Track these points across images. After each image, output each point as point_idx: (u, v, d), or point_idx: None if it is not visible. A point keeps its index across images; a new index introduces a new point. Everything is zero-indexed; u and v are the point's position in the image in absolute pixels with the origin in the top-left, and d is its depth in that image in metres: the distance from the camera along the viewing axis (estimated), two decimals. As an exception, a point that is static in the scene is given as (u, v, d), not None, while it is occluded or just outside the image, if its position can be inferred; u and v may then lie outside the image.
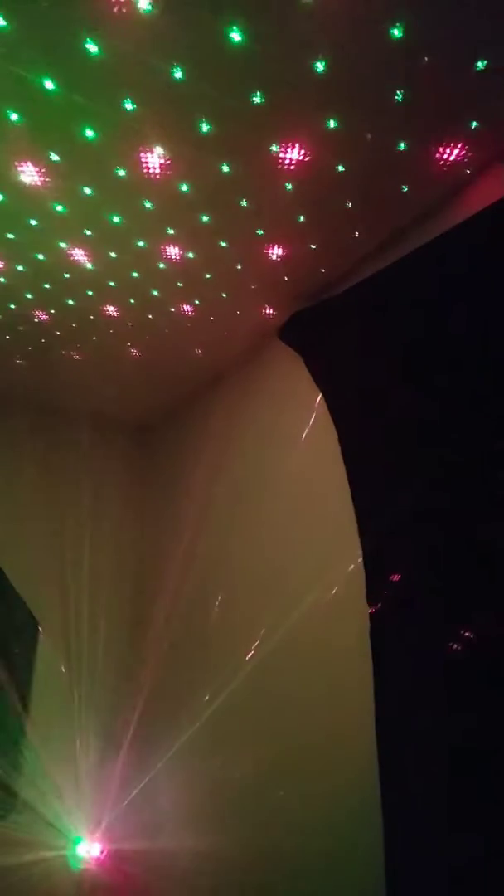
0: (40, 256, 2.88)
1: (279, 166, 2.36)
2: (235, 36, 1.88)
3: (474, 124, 2.18)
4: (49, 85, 2.04)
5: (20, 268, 2.96)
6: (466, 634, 2.10)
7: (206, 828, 3.31)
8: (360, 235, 2.76)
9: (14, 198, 2.53)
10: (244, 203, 2.56)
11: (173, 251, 2.85)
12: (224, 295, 3.19)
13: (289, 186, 2.46)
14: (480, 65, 1.94)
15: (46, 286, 3.09)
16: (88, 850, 3.53)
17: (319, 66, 1.98)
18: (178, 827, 3.48)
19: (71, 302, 3.23)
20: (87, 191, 2.50)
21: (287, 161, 2.34)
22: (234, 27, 1.87)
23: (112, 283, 3.09)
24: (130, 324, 3.41)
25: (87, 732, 3.80)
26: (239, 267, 2.96)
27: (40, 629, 4.03)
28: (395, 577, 2.44)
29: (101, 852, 3.55)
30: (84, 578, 3.99)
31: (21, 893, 3.29)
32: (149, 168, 2.38)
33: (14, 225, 2.68)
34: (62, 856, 3.52)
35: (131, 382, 4.10)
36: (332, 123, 2.18)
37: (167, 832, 3.52)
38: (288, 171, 2.38)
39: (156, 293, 3.17)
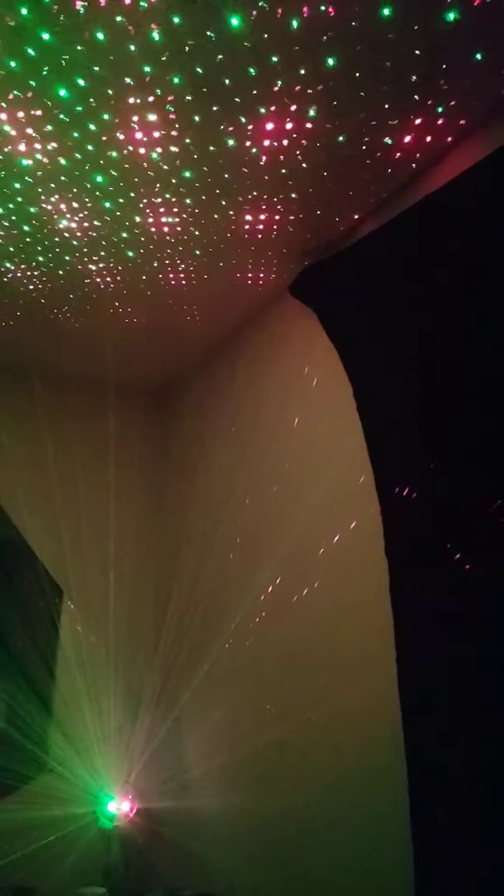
0: (22, 219, 2.79)
1: (270, 129, 2.30)
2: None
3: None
4: (45, 37, 1.96)
5: (0, 232, 2.87)
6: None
7: (233, 782, 3.35)
8: (354, 195, 2.68)
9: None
10: (238, 165, 2.49)
11: (163, 213, 2.75)
12: (223, 256, 3.08)
13: (279, 149, 2.41)
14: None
15: (28, 247, 2.99)
16: (119, 807, 3.59)
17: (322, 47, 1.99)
18: (206, 782, 3.53)
19: (55, 265, 3.13)
20: (71, 151, 2.41)
21: (278, 125, 2.28)
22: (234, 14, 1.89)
23: (100, 246, 2.99)
24: (124, 289, 3.33)
25: (114, 692, 3.85)
26: (234, 228, 2.85)
27: (64, 594, 4.08)
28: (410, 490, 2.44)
29: (131, 810, 3.61)
30: (107, 543, 4.01)
31: (52, 852, 3.35)
32: (137, 129, 2.31)
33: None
34: (93, 814, 3.57)
35: (138, 349, 4.01)
36: (318, 97, 2.16)
37: (195, 788, 3.57)
38: (279, 134, 2.32)
39: (146, 256, 3.06)
